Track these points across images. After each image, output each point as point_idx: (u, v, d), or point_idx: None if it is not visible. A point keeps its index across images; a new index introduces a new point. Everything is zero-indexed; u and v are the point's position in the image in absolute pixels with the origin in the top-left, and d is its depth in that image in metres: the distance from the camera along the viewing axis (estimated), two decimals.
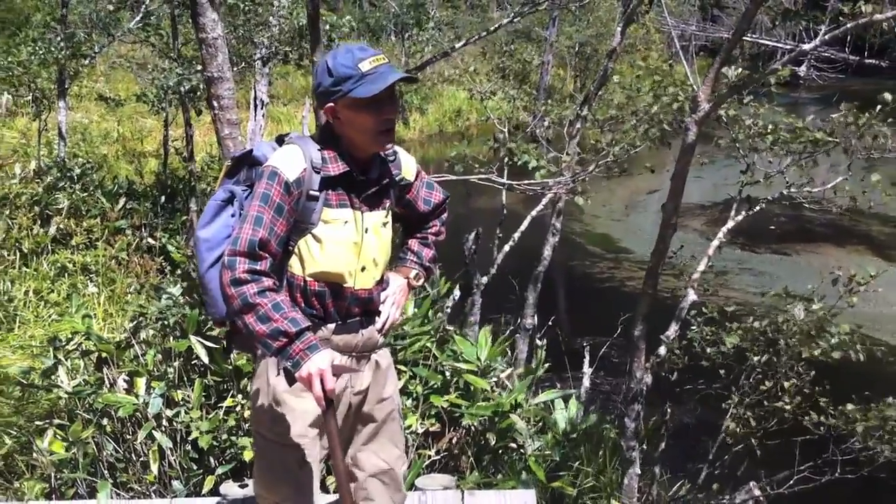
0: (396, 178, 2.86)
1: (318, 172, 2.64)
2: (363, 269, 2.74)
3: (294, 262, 2.69)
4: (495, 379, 4.95)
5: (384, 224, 2.82)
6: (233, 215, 2.73)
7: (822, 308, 5.50)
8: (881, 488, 5.89)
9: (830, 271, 5.89)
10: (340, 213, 2.67)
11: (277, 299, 2.53)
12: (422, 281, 3.07)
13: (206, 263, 2.72)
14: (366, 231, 2.73)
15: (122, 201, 10.04)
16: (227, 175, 2.85)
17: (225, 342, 3.02)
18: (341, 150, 2.69)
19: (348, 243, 2.69)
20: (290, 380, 2.63)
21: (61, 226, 9.33)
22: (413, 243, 3.07)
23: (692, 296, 5.95)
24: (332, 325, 2.75)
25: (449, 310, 6.05)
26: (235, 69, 10.70)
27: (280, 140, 2.76)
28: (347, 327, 2.77)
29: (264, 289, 2.52)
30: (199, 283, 2.82)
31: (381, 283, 2.87)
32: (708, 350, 5.67)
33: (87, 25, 11.87)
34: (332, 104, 2.64)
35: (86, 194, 9.97)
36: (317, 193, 2.63)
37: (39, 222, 9.33)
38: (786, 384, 5.50)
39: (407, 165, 2.92)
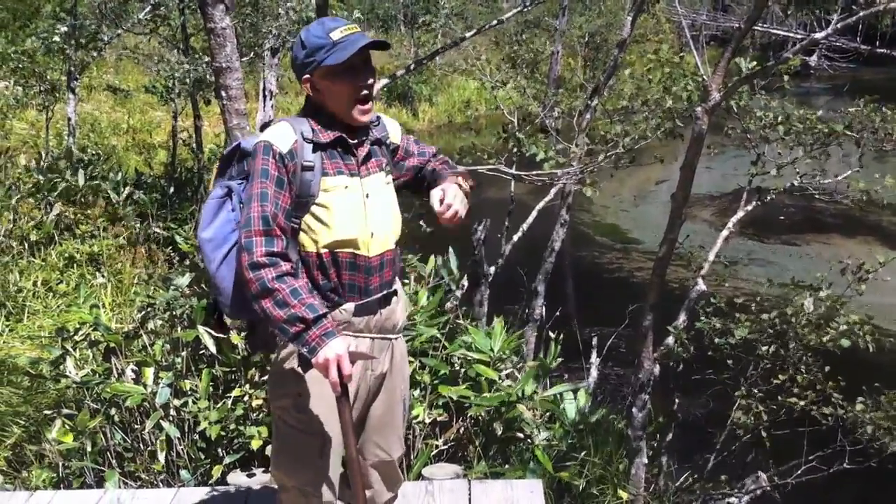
0: (385, 140, 2.86)
1: (310, 143, 2.65)
2: (372, 234, 2.72)
3: (305, 239, 2.67)
4: (507, 371, 4.94)
5: (386, 184, 2.81)
6: (232, 210, 2.73)
7: (829, 297, 5.48)
8: (890, 479, 5.87)
9: (840, 261, 5.88)
10: (338, 180, 2.67)
11: (296, 285, 2.53)
12: (469, 182, 2.85)
13: (215, 263, 2.71)
14: (367, 196, 2.72)
15: (130, 191, 10.04)
16: (219, 174, 2.85)
17: (247, 345, 3.02)
18: (329, 118, 2.69)
19: (354, 208, 2.68)
20: (306, 366, 2.63)
21: (68, 215, 9.35)
22: (429, 168, 2.98)
23: (701, 286, 5.93)
24: (351, 306, 2.73)
25: (458, 300, 6.04)
26: (244, 59, 10.69)
27: (265, 128, 2.76)
28: (367, 307, 2.76)
29: (283, 273, 2.52)
30: (211, 283, 2.81)
31: (395, 249, 2.85)
32: (717, 341, 5.65)
33: (97, 16, 11.86)
34: (308, 76, 2.66)
35: (94, 183, 9.98)
36: (311, 163, 2.63)
37: (45, 210, 9.34)
38: (799, 378, 5.48)
39: (392, 129, 2.92)
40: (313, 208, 2.64)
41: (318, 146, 2.65)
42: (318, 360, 2.50)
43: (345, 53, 2.57)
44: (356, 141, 2.73)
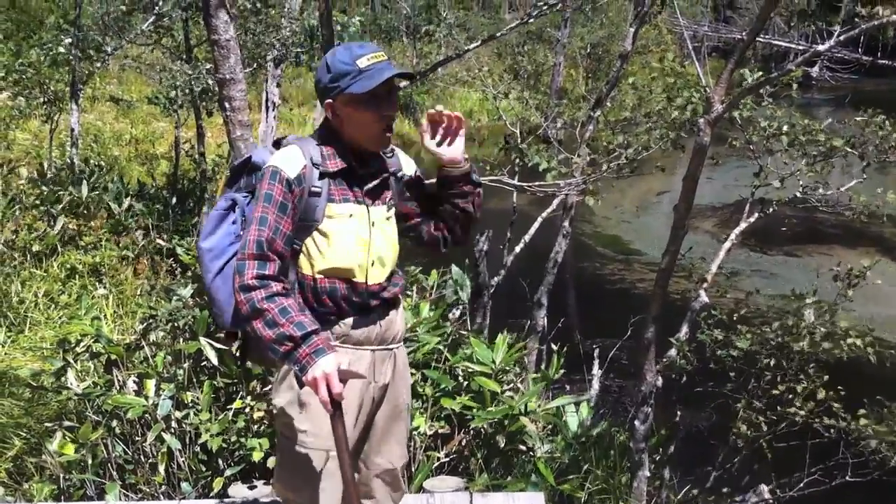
0: (397, 173, 2.86)
1: (318, 168, 2.65)
2: (373, 263, 2.73)
3: (303, 262, 2.69)
4: (510, 385, 4.93)
5: (387, 218, 2.81)
6: (234, 223, 2.74)
7: (815, 303, 5.48)
8: (893, 492, 5.83)
9: (830, 269, 5.88)
10: (344, 208, 2.67)
11: (285, 304, 2.53)
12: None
13: (212, 273, 2.73)
14: (372, 225, 2.72)
15: (132, 203, 10.04)
16: (227, 185, 2.87)
17: (239, 355, 3.02)
18: (341, 146, 2.69)
19: (355, 237, 2.68)
20: (300, 384, 2.65)
21: (71, 226, 9.34)
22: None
23: (704, 298, 5.91)
24: (349, 320, 2.74)
25: (462, 311, 6.04)
26: (247, 70, 10.70)
27: (277, 144, 2.76)
28: (366, 320, 2.77)
29: (272, 294, 2.53)
30: (206, 293, 2.82)
31: (394, 277, 2.86)
32: (718, 352, 5.64)
33: (100, 27, 11.88)
34: (330, 101, 2.65)
35: (95, 193, 9.98)
36: (319, 189, 2.63)
37: (48, 221, 9.35)
38: (798, 388, 5.46)
39: (406, 162, 2.92)
40: (314, 234, 2.66)
41: (325, 174, 2.65)
42: (308, 379, 2.50)
43: (370, 83, 2.56)
44: (364, 171, 2.72)
